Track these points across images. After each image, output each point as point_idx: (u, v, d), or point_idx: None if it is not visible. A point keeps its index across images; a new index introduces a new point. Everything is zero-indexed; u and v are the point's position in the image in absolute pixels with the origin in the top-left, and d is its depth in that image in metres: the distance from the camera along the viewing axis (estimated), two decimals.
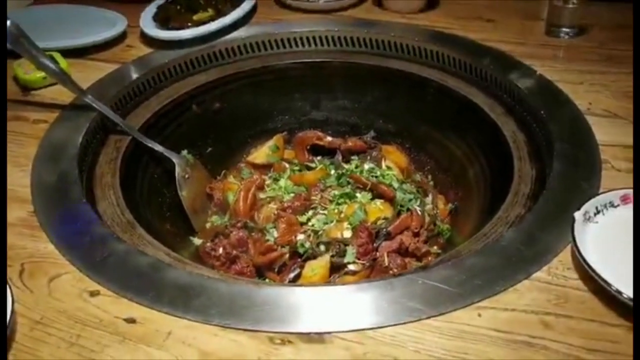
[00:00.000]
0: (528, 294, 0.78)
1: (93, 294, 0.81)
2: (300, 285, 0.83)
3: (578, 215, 0.84)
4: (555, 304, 0.76)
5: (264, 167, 1.40)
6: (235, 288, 0.81)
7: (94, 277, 0.83)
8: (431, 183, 1.35)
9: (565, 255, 0.83)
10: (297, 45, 1.47)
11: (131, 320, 0.77)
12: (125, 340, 0.74)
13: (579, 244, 0.80)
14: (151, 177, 1.22)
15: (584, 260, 0.78)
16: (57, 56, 1.33)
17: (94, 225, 0.92)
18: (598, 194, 0.89)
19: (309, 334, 0.74)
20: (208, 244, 1.18)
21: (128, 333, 0.75)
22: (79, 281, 0.83)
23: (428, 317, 0.75)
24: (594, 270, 0.76)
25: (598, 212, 0.87)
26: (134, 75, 1.32)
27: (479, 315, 0.75)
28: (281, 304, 0.78)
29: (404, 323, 0.75)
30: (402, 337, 0.73)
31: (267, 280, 1.11)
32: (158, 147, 1.21)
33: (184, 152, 1.28)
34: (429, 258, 1.13)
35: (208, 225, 1.27)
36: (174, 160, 1.22)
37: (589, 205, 0.86)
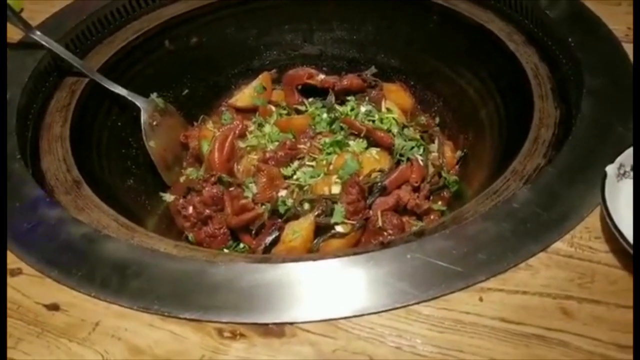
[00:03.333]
0: (544, 272, 0.63)
1: (13, 272, 0.68)
2: (261, 261, 0.68)
3: (611, 169, 0.68)
4: (578, 285, 0.61)
5: (249, 111, 1.23)
6: (183, 265, 0.66)
7: (17, 251, 0.70)
8: (437, 129, 1.17)
9: (593, 220, 0.68)
10: None
11: (54, 307, 0.64)
12: (44, 333, 0.61)
13: (610, 207, 0.64)
14: (113, 125, 1.07)
15: (616, 227, 0.62)
16: None
17: (26, 186, 0.78)
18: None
19: (266, 325, 0.60)
20: (180, 201, 1.03)
21: (48, 323, 0.62)
22: None
23: (417, 303, 0.61)
24: (627, 241, 0.61)
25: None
26: (96, 7, 1.14)
27: (481, 299, 0.61)
28: (236, 286, 0.63)
29: (387, 310, 0.61)
30: (381, 330, 0.59)
31: (241, 245, 0.97)
32: (120, 90, 1.05)
33: (153, 95, 1.11)
34: (432, 217, 0.97)
35: (182, 179, 1.12)
36: (139, 105, 1.07)
37: (626, 157, 0.70)
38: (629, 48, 0.91)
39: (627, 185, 0.69)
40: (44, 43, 1.01)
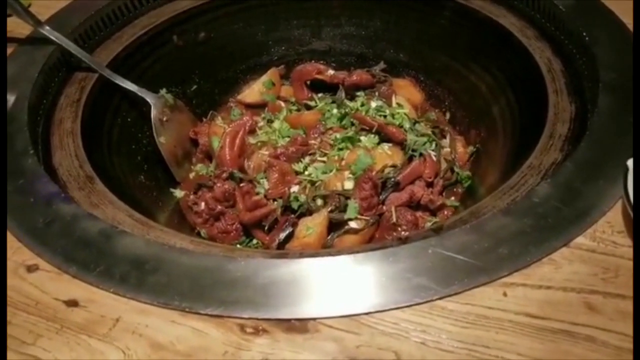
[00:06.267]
0: (568, 266, 0.62)
1: (31, 268, 0.67)
2: (279, 256, 0.67)
3: (632, 163, 0.66)
4: (602, 279, 0.61)
5: (257, 107, 1.23)
6: (201, 261, 0.66)
7: (34, 247, 0.70)
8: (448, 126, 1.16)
9: (615, 214, 0.67)
10: None
11: (73, 303, 0.63)
12: (64, 329, 0.61)
13: (632, 200, 0.63)
14: (123, 121, 1.06)
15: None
16: None
17: (40, 182, 0.78)
18: None
19: (289, 320, 0.60)
20: (191, 197, 1.03)
21: (67, 320, 0.61)
22: (15, 252, 0.69)
23: (440, 298, 0.60)
24: None
25: None
26: (104, 2, 1.13)
27: (505, 294, 0.60)
28: (256, 281, 0.63)
29: (409, 306, 0.60)
30: (405, 325, 0.58)
31: (254, 241, 0.96)
32: (130, 86, 1.04)
33: (163, 91, 1.11)
34: (445, 212, 0.97)
35: (192, 175, 1.12)
36: (150, 101, 1.06)
37: None
38: None
39: None
40: (53, 38, 1.00)
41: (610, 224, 0.66)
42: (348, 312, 0.60)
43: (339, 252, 0.68)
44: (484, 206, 0.75)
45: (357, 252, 0.66)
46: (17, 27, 1.06)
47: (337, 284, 0.63)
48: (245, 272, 0.64)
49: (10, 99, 0.91)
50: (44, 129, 0.92)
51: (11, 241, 0.70)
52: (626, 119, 0.78)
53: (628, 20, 0.95)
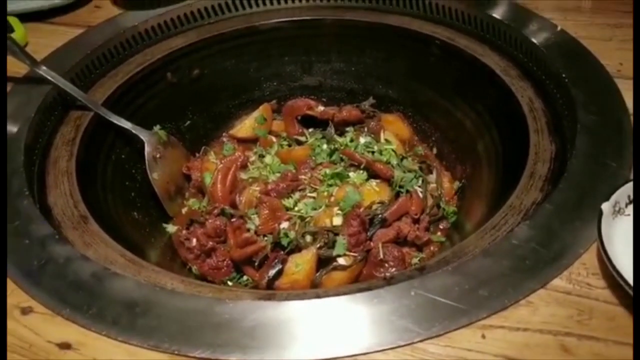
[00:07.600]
0: (544, 308, 0.64)
1: (25, 311, 0.69)
2: (266, 298, 0.70)
3: (606, 206, 0.69)
4: (577, 322, 0.63)
5: (250, 141, 1.25)
6: (190, 303, 0.68)
7: (28, 289, 0.71)
8: (435, 161, 1.19)
9: (590, 256, 0.69)
10: (285, 2, 1.31)
11: (65, 346, 0.64)
12: None
13: (606, 244, 0.66)
14: (117, 158, 1.08)
15: (612, 264, 0.64)
16: (15, 22, 1.19)
17: (35, 224, 0.79)
18: (630, 179, 0.74)
19: None
20: (183, 232, 1.05)
21: None
22: (10, 294, 0.71)
23: (421, 340, 0.62)
24: (624, 278, 0.62)
25: (630, 201, 0.72)
26: (100, 41, 1.17)
27: (483, 337, 0.62)
28: (243, 323, 0.65)
29: (392, 348, 0.62)
30: None
31: (244, 277, 0.98)
32: (125, 124, 1.07)
33: (156, 127, 1.13)
34: (431, 248, 0.99)
35: (184, 210, 1.14)
36: (143, 137, 1.08)
37: (620, 194, 0.71)
38: (620, 83, 0.93)
39: (622, 222, 0.70)
40: (49, 78, 1.03)
41: (585, 266, 0.68)
42: (332, 354, 0.61)
43: (325, 294, 0.70)
44: (467, 246, 0.77)
45: (343, 293, 0.68)
46: (13, 66, 1.08)
47: (322, 326, 0.64)
48: (233, 314, 0.66)
49: (9, 140, 0.93)
50: (39, 169, 0.94)
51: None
52: (603, 161, 0.81)
53: (606, 62, 0.98)
